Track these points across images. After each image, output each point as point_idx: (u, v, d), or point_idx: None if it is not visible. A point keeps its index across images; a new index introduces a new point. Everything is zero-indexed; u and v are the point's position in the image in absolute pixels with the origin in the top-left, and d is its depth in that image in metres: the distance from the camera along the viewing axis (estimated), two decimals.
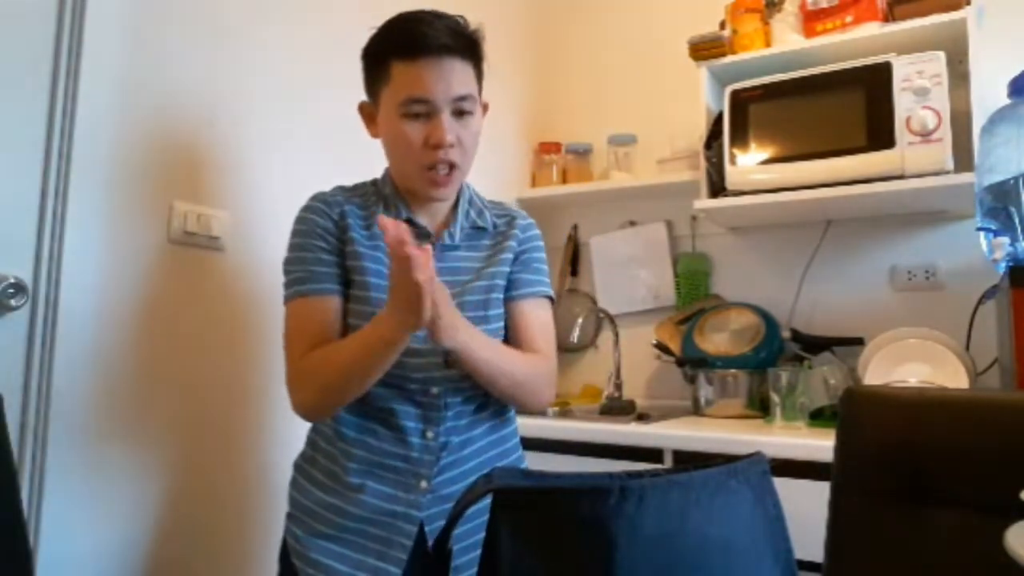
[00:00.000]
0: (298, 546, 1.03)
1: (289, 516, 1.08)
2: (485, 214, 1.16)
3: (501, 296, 1.12)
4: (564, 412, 2.06)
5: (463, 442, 1.07)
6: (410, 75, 1.01)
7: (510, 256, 1.14)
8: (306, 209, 1.09)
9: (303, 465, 1.11)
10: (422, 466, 1.03)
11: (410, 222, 1.08)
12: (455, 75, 1.02)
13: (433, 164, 1.03)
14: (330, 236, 1.06)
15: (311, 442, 1.12)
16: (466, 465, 1.06)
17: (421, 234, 1.09)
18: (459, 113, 1.04)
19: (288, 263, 1.07)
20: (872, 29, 1.79)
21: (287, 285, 1.06)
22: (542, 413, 1.09)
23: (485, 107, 1.13)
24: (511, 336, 1.13)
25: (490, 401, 1.11)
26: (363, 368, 0.97)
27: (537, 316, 1.14)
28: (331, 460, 1.06)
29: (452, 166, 1.04)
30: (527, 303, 1.14)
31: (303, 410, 1.02)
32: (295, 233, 1.08)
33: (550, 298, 1.18)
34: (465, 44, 1.04)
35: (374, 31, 1.06)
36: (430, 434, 1.04)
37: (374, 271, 1.05)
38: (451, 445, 1.05)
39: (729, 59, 1.97)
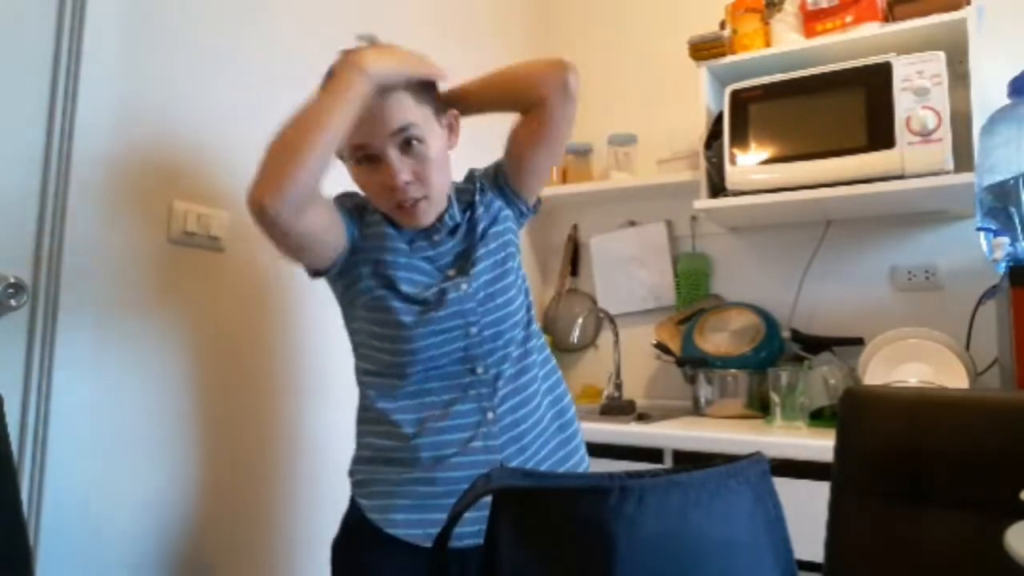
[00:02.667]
0: (374, 487, 1.06)
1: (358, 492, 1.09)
2: (471, 191, 1.18)
3: (507, 249, 1.15)
4: None
5: (516, 373, 1.11)
6: None
7: (486, 212, 1.16)
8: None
9: (361, 468, 1.10)
10: (483, 400, 1.07)
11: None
12: (386, 111, 1.00)
13: (399, 203, 1.04)
14: (351, 210, 1.11)
15: (366, 454, 1.11)
16: (524, 393, 1.10)
17: (424, 229, 1.10)
18: (407, 144, 1.02)
19: None
20: (872, 29, 1.79)
21: None
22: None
23: (455, 117, 1.12)
24: (520, 139, 1.14)
25: (532, 337, 1.15)
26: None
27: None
28: (396, 450, 1.07)
29: (418, 198, 1.05)
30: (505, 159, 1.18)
31: (255, 196, 0.92)
32: None
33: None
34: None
35: None
36: (480, 369, 1.07)
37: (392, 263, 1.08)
38: (505, 375, 1.09)
39: (729, 59, 1.97)
